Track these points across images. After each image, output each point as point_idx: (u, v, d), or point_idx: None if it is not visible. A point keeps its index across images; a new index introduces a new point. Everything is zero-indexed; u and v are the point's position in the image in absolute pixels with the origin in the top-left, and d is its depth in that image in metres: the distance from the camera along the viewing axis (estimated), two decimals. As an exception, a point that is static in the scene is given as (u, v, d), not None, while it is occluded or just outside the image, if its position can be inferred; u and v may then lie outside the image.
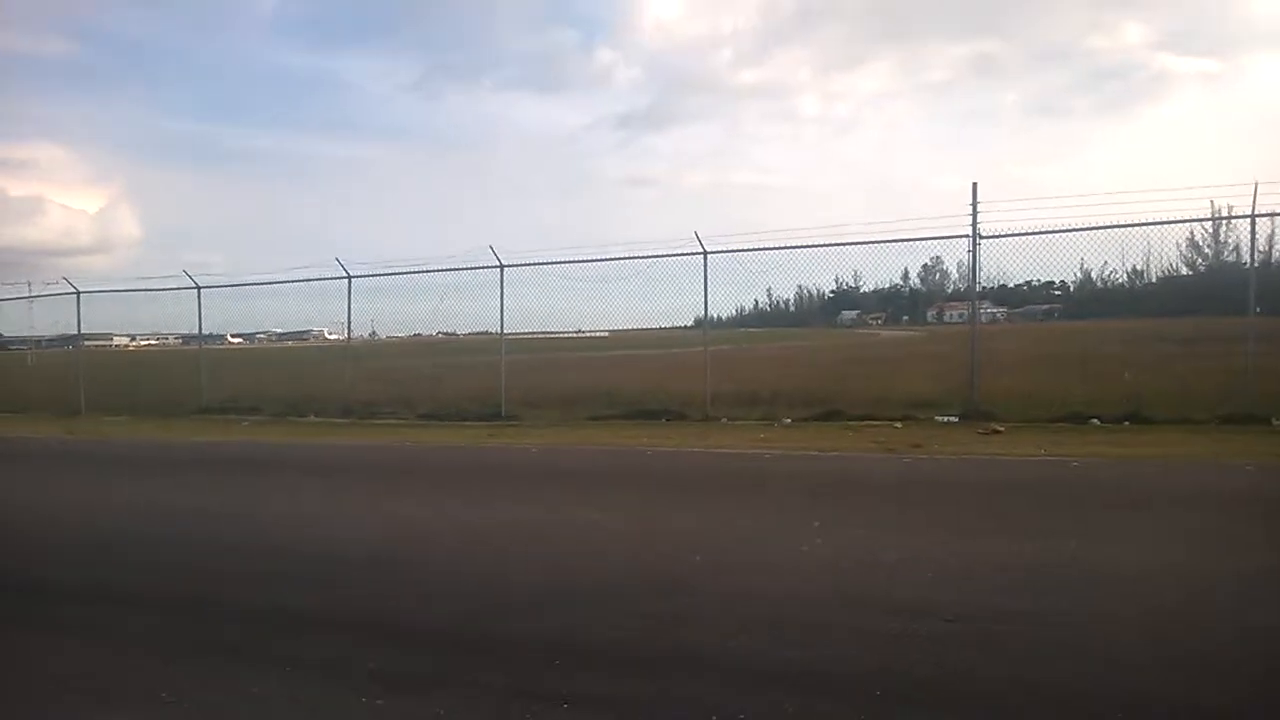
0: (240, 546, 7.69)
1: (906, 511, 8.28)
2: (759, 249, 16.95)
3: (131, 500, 10.41)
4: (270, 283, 22.04)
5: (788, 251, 16.91)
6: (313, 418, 19.65)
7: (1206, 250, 23.29)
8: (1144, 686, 4.13)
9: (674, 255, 17.27)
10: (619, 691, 4.26)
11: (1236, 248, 18.18)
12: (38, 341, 39.88)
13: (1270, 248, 17.11)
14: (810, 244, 16.60)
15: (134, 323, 30.69)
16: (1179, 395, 14.20)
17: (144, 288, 23.53)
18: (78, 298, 23.45)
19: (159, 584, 6.63)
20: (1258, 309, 13.80)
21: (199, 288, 22.06)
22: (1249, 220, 13.85)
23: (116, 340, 51.20)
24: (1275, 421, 12.85)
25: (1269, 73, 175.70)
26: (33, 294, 26.95)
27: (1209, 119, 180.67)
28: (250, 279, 22.55)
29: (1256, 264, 14.27)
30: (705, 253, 16.77)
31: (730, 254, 17.07)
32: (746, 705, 4.02)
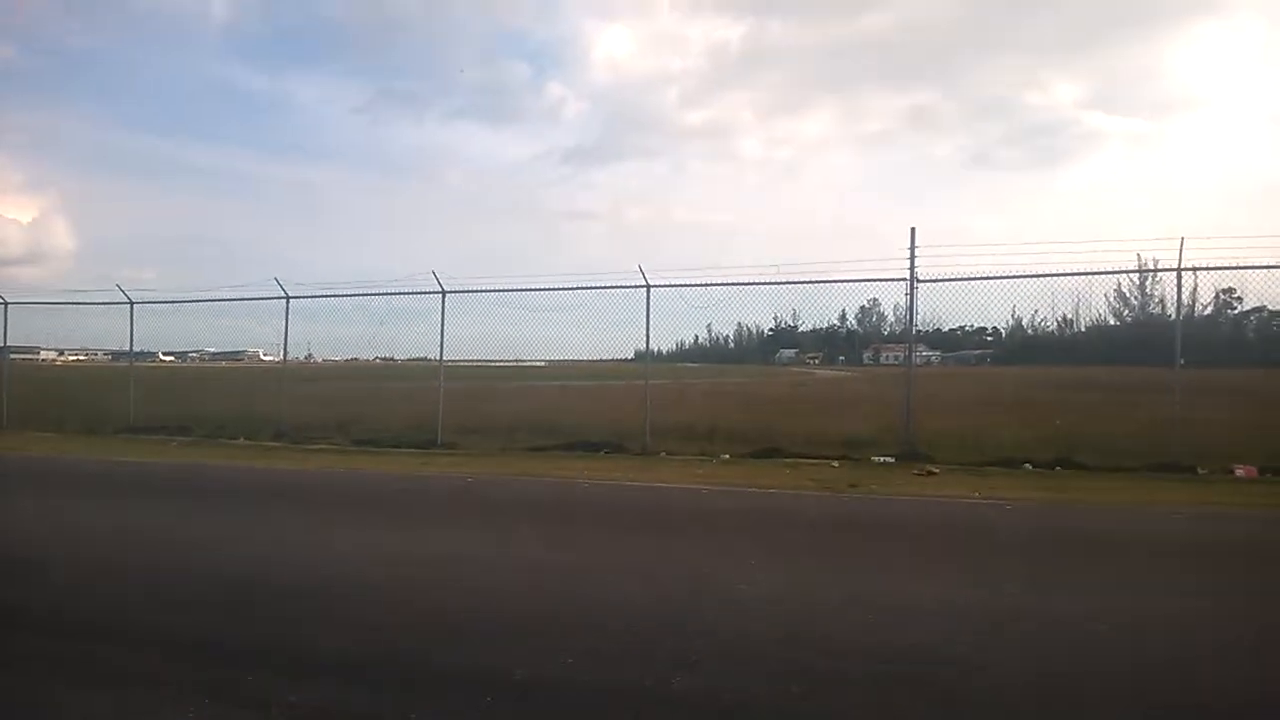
0: (160, 572, 7.46)
1: (844, 551, 8.33)
2: (701, 284, 17.06)
3: (48, 521, 10.07)
4: (206, 300, 21.72)
5: (729, 288, 17.03)
6: (243, 440, 19.27)
7: (1133, 302, 23.99)
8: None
9: (617, 287, 17.31)
10: (555, 729, 4.20)
11: (1162, 300, 18.74)
12: (-41, 353, 38.72)
13: (1194, 301, 17.57)
14: (751, 281, 16.76)
15: (63, 337, 29.88)
16: (1109, 442, 14.53)
17: (75, 301, 23.01)
18: (4, 309, 22.84)
19: (75, 610, 6.38)
20: (1182, 360, 14.17)
21: (132, 303, 21.58)
22: (1175, 274, 14.26)
23: (44, 354, 49.96)
24: (1201, 470, 13.18)
25: (1193, 134, 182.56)
26: (-44, 304, 26.25)
27: (1137, 176, 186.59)
28: (185, 296, 22.19)
29: (1181, 317, 14.64)
30: (648, 286, 16.83)
31: (673, 288, 17.15)
32: (685, 745, 4.00)
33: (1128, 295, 23.46)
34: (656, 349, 19.03)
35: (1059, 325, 26.94)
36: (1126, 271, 16.57)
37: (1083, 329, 26.68)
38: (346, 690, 4.71)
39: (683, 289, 17.27)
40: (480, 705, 4.49)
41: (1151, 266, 16.84)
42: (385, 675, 4.92)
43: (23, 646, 5.55)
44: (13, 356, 25.77)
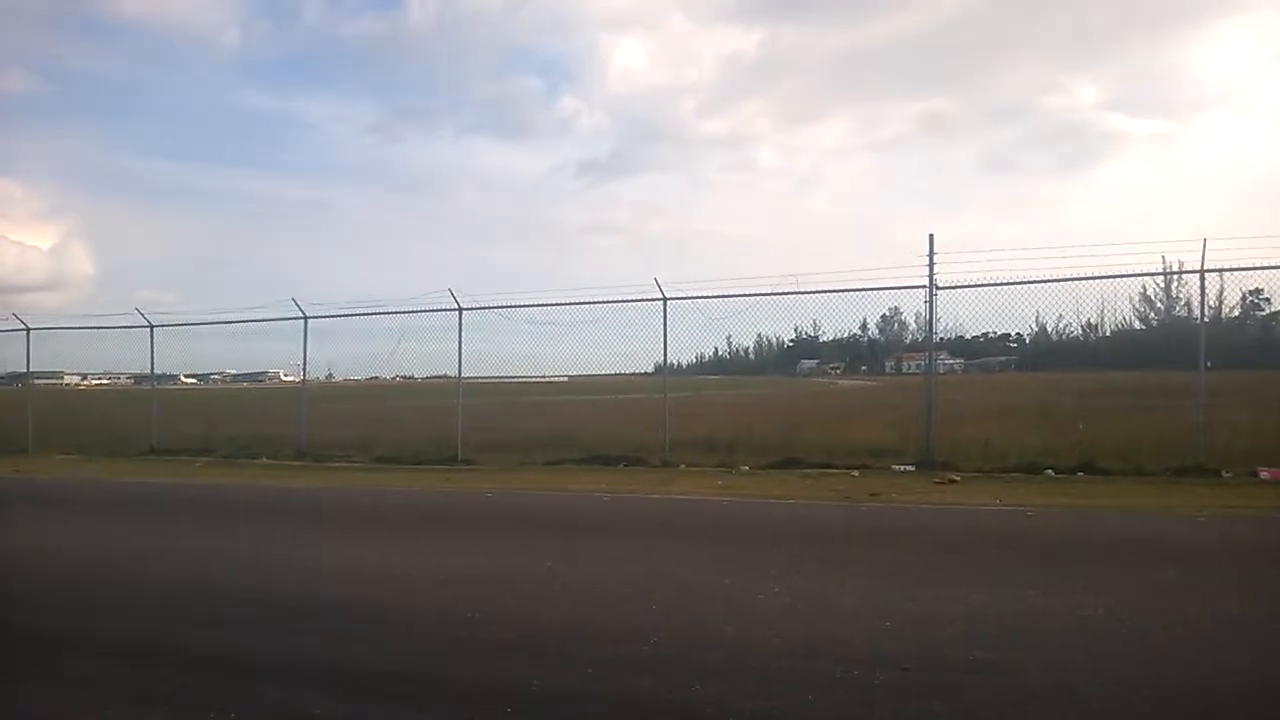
0: (186, 591, 7.50)
1: (863, 560, 8.24)
2: (719, 296, 17.03)
3: (76, 542, 10.17)
4: (225, 322, 21.86)
5: (747, 299, 16.98)
6: (265, 460, 19.36)
7: (1159, 305, 23.68)
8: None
9: (634, 301, 17.30)
10: (571, 740, 4.17)
11: (1188, 303, 18.48)
12: (-15, 379, 39.21)
13: (1220, 303, 17.28)
14: (769, 292, 16.69)
15: (85, 361, 30.26)
16: (1131, 447, 14.37)
17: (96, 325, 23.18)
18: (28, 334, 23.03)
19: (104, 628, 6.45)
20: (1208, 364, 14.01)
21: (152, 326, 21.77)
22: (1199, 275, 14.06)
23: (67, 379, 50.43)
24: (1225, 474, 13.02)
25: (1216, 134, 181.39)
26: (-20, 330, 26.55)
27: (1160, 177, 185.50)
28: (205, 318, 22.39)
29: (1206, 319, 14.45)
30: (665, 299, 16.81)
31: (690, 300, 17.13)
32: (701, 755, 3.96)
33: (1153, 298, 23.13)
34: (676, 362, 19.01)
35: (1083, 330, 26.60)
36: (1151, 274, 16.33)
37: (1107, 333, 26.33)
38: (373, 701, 4.73)
39: (701, 301, 17.25)
40: (504, 713, 4.47)
41: (1176, 268, 16.62)
42: (409, 686, 4.94)
43: (52, 664, 5.60)
44: (36, 381, 26.03)
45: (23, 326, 22.95)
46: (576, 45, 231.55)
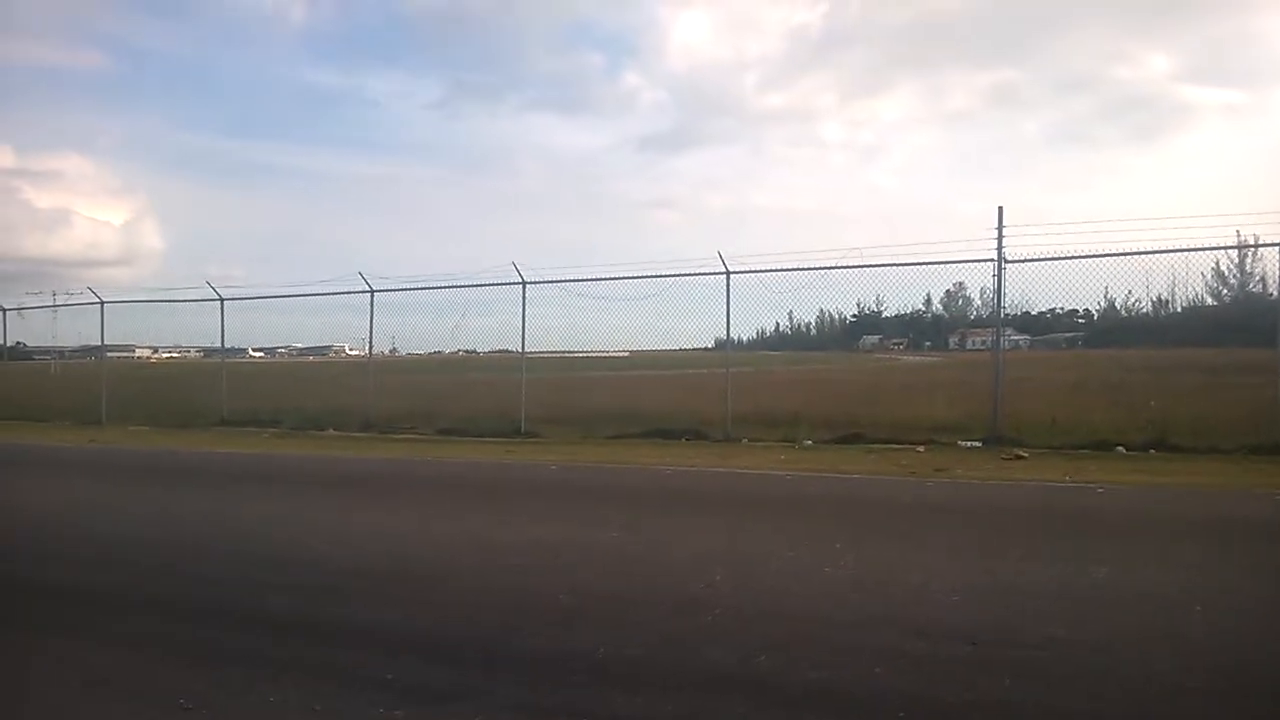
0: (260, 557, 7.65)
1: (930, 535, 8.17)
2: (781, 269, 16.91)
3: (150, 508, 10.44)
4: (293, 295, 22.20)
5: (810, 273, 16.80)
6: (332, 431, 19.67)
7: (1232, 280, 23.12)
8: (1178, 713, 4.04)
9: (696, 275, 17.28)
10: (640, 709, 4.18)
11: (1263, 278, 18.01)
12: (61, 352, 40.37)
13: (1297, 278, 16.75)
14: (833, 266, 16.50)
15: (156, 334, 30.99)
16: (1205, 424, 14.03)
17: (167, 299, 23.68)
18: (102, 308, 23.63)
19: (179, 591, 6.61)
20: (1285, 340, 13.62)
21: (222, 300, 22.18)
22: (1276, 250, 13.69)
23: (139, 352, 51.61)
24: (1304, 452, 12.66)
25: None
26: (57, 304, 27.37)
27: (1234, 150, 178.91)
28: (273, 291, 22.75)
29: (1284, 294, 14.04)
30: (728, 272, 16.74)
31: (753, 274, 17.03)
32: (769, 724, 3.95)
33: (1226, 274, 22.56)
34: (737, 337, 18.98)
35: (1154, 306, 26.08)
36: (1225, 248, 15.89)
37: (1179, 309, 25.76)
38: (440, 668, 4.80)
39: (763, 275, 17.15)
40: (569, 683, 4.50)
41: (1252, 243, 16.17)
42: (476, 654, 4.98)
43: (128, 624, 5.77)
44: (109, 354, 26.68)
45: (97, 300, 23.54)
46: (637, 19, 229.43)
